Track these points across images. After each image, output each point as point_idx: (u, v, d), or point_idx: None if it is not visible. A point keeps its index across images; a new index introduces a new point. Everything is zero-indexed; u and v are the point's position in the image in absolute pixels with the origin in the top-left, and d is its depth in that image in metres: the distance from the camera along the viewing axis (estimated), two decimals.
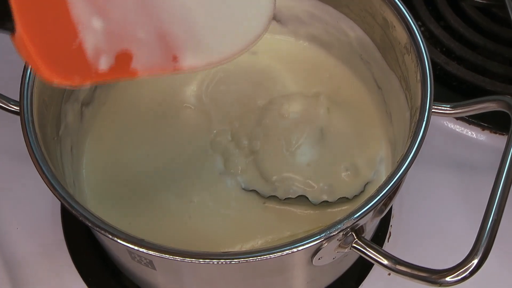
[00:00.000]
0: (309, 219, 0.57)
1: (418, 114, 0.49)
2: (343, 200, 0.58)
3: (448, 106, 0.54)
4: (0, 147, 0.69)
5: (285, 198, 0.58)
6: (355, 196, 0.58)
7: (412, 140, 0.48)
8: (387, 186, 0.46)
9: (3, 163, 0.68)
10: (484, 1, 0.74)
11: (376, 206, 0.46)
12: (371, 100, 0.64)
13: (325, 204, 0.58)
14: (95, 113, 0.62)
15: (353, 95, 0.64)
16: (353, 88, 0.65)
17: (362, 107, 0.63)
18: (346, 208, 0.58)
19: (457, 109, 0.54)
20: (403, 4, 0.54)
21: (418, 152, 0.47)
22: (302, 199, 0.58)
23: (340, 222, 0.45)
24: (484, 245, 0.44)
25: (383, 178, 0.57)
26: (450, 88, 0.71)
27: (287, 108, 0.63)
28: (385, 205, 0.50)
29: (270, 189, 0.58)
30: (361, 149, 0.61)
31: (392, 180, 0.46)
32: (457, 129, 0.69)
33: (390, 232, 0.63)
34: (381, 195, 0.46)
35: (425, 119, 0.49)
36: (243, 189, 0.59)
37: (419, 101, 0.51)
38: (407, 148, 0.48)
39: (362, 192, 0.59)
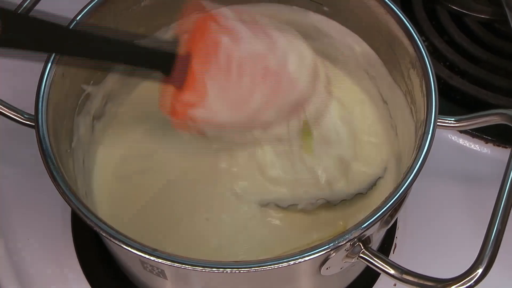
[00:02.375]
0: (331, 221, 0.59)
1: (423, 128, 0.51)
2: (359, 196, 0.60)
3: (452, 119, 0.55)
4: (12, 158, 0.70)
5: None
6: (369, 190, 0.61)
7: (417, 153, 0.49)
8: (393, 198, 0.47)
9: (14, 174, 0.69)
10: (487, 17, 0.76)
11: (383, 217, 0.47)
12: (377, 113, 0.65)
13: (344, 202, 0.60)
14: (106, 126, 0.63)
15: (358, 108, 0.65)
16: (359, 102, 0.66)
17: (368, 121, 0.65)
18: (362, 205, 0.60)
19: (461, 123, 0.56)
20: (408, 20, 0.56)
21: (423, 165, 0.49)
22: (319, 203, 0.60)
23: (347, 232, 0.46)
24: (489, 254, 0.45)
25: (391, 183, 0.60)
26: (454, 102, 0.72)
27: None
28: (391, 216, 0.51)
29: (290, 199, 0.60)
30: (365, 159, 0.63)
31: (398, 192, 0.48)
32: (461, 142, 0.70)
33: (395, 243, 0.64)
34: (387, 206, 0.47)
35: (430, 132, 0.50)
36: (260, 203, 0.60)
37: (423, 115, 0.52)
38: (412, 161, 0.49)
39: (374, 185, 0.61)
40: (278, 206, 0.60)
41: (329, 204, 0.60)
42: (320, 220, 0.60)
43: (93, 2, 0.57)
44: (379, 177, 0.62)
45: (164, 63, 0.52)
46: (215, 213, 0.59)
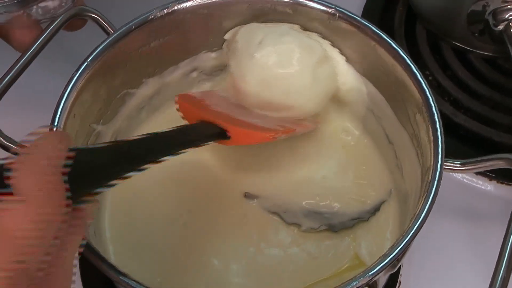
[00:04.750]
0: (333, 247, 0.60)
1: (429, 175, 0.51)
2: (361, 221, 0.61)
3: (458, 163, 0.56)
4: None
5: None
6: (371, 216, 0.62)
7: (424, 202, 0.50)
8: (400, 244, 0.48)
9: None
10: (490, 54, 0.76)
11: (390, 263, 0.48)
12: (382, 153, 0.65)
13: (344, 229, 0.61)
14: None
15: (363, 147, 0.66)
16: (364, 141, 0.67)
17: (373, 161, 0.65)
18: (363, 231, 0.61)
19: (466, 166, 0.56)
20: (415, 65, 0.56)
21: (429, 212, 0.50)
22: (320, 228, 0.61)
23: (355, 279, 0.46)
24: None
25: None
26: (457, 138, 0.72)
27: (302, 152, 0.66)
28: (398, 260, 0.52)
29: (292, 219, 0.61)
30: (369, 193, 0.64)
31: (406, 238, 0.48)
32: (464, 180, 0.71)
33: (400, 281, 0.65)
34: (394, 253, 0.48)
35: (435, 182, 0.51)
36: (269, 209, 0.62)
37: (430, 161, 0.53)
38: (419, 209, 0.50)
39: (377, 211, 0.62)
40: (283, 220, 0.61)
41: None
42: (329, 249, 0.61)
43: (103, 43, 0.58)
44: (384, 201, 0.63)
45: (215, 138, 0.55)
46: (224, 254, 0.60)
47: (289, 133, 0.60)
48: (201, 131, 0.54)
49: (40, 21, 0.62)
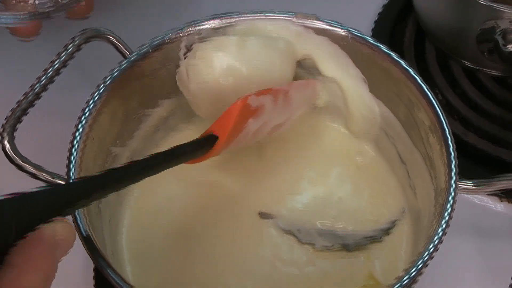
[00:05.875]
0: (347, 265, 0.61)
1: (444, 197, 0.52)
2: (374, 240, 0.62)
3: (471, 183, 0.56)
4: None
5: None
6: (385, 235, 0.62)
7: (438, 224, 0.51)
8: (416, 267, 0.49)
9: None
10: (500, 73, 0.77)
11: (405, 286, 0.48)
12: (395, 173, 0.66)
13: (358, 248, 0.62)
14: (133, 186, 0.63)
15: (377, 167, 0.67)
16: (377, 161, 0.67)
17: (386, 180, 0.66)
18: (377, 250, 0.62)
19: (479, 186, 0.57)
20: (428, 87, 0.57)
21: (444, 235, 0.50)
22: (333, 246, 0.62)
23: None
24: None
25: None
26: (468, 157, 0.73)
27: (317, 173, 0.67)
28: (413, 282, 0.53)
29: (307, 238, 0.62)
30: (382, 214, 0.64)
31: (421, 261, 0.49)
32: (476, 200, 0.71)
33: None
34: (410, 276, 0.49)
35: (450, 205, 0.52)
36: (282, 228, 0.63)
37: (443, 183, 0.54)
38: (433, 231, 0.51)
39: (391, 230, 0.63)
40: (297, 238, 0.62)
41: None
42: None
43: (120, 66, 0.59)
44: (397, 220, 0.63)
45: (206, 146, 0.55)
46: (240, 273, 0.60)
47: (266, 92, 0.59)
48: (186, 146, 0.54)
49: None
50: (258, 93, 0.57)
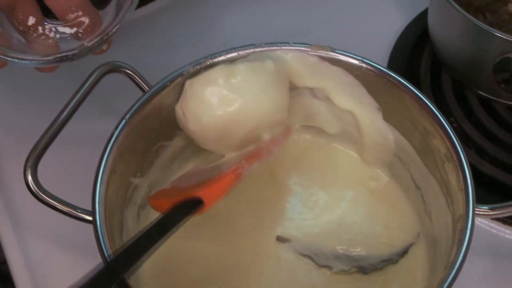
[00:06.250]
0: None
1: (462, 224, 0.53)
2: (390, 263, 0.63)
3: (486, 207, 0.57)
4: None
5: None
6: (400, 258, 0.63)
7: (458, 251, 0.52)
8: None
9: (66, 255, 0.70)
10: None
11: None
12: (410, 197, 0.67)
13: (375, 271, 0.62)
14: (150, 213, 0.64)
15: (391, 191, 0.68)
16: (391, 186, 0.68)
17: (401, 204, 0.67)
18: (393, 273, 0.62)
19: (495, 211, 0.57)
20: (443, 116, 0.58)
21: (464, 262, 0.51)
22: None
23: None
24: None
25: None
26: (484, 187, 0.73)
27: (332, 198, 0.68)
28: None
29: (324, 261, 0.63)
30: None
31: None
32: (492, 229, 0.71)
33: None
34: None
35: (468, 232, 0.52)
36: (300, 252, 0.64)
37: (461, 210, 0.54)
38: (453, 257, 0.52)
39: (406, 253, 0.63)
40: (315, 262, 0.63)
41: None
42: None
43: (140, 100, 0.60)
44: (412, 244, 0.64)
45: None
46: None
47: (256, 158, 0.61)
48: (174, 214, 0.53)
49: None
50: (249, 160, 0.59)
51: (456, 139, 0.57)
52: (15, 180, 0.65)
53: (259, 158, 0.61)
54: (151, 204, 0.58)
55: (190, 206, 0.53)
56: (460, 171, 0.56)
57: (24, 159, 0.58)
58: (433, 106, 0.59)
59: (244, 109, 0.60)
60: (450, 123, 0.58)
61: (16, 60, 0.61)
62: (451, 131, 0.57)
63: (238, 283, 0.62)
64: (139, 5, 0.87)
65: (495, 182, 0.73)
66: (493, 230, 0.71)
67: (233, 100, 0.60)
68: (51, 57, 0.61)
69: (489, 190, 0.73)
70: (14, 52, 0.61)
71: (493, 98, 0.77)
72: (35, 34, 0.62)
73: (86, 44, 0.63)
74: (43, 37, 0.63)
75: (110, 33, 0.63)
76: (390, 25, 0.89)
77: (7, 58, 0.60)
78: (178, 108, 0.62)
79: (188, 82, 0.61)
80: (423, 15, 0.87)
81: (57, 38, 0.63)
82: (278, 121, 0.63)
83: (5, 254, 0.70)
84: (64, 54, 0.62)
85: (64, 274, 0.68)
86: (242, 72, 0.60)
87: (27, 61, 0.61)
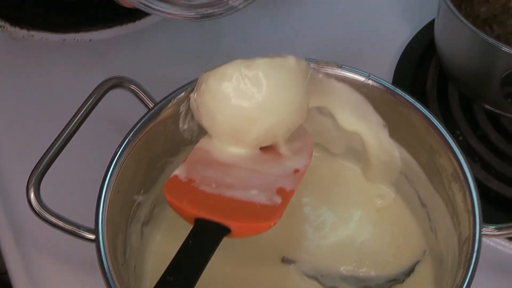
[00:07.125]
0: None
1: (469, 246, 0.53)
2: (396, 283, 0.62)
3: (493, 227, 0.56)
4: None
5: None
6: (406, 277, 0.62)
7: (465, 273, 0.51)
8: None
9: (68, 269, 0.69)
10: None
11: None
12: (415, 215, 0.66)
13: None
14: (154, 230, 0.65)
15: (396, 209, 0.67)
16: (397, 203, 0.68)
17: (407, 222, 0.66)
18: None
19: (501, 231, 0.57)
20: (451, 136, 0.58)
21: (471, 283, 0.51)
22: None
23: None
24: None
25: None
26: (490, 202, 0.72)
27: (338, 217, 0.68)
28: None
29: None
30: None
31: None
32: (498, 246, 0.71)
33: None
34: None
35: (475, 254, 0.52)
36: (306, 273, 0.63)
37: (467, 231, 0.54)
38: (460, 279, 0.51)
39: (412, 272, 0.63)
40: (321, 283, 0.62)
41: None
42: None
43: (144, 117, 0.60)
44: (418, 261, 0.63)
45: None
46: None
47: (291, 195, 0.58)
48: (204, 241, 0.53)
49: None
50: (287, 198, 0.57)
51: (463, 159, 0.56)
52: (18, 194, 0.64)
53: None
54: (169, 200, 0.56)
55: (220, 231, 0.53)
56: (467, 192, 0.55)
57: (28, 175, 0.58)
58: (440, 126, 0.58)
59: (260, 106, 0.57)
60: (456, 137, 0.58)
61: (156, 12, 0.59)
62: (459, 151, 0.57)
63: None
64: (141, 17, 0.87)
65: (501, 199, 0.73)
66: (498, 247, 0.71)
67: (249, 97, 0.57)
68: (192, 12, 0.60)
69: (495, 207, 0.72)
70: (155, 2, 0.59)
71: (500, 112, 0.76)
72: None
73: (231, 3, 0.61)
74: None
75: None
76: (396, 37, 0.88)
77: (149, 6, 0.59)
78: (192, 99, 0.60)
79: (203, 74, 0.59)
80: (430, 26, 0.86)
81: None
82: (296, 122, 0.60)
83: (7, 268, 0.70)
84: (210, 11, 0.60)
85: None
86: (260, 67, 0.56)
87: (167, 14, 0.59)
